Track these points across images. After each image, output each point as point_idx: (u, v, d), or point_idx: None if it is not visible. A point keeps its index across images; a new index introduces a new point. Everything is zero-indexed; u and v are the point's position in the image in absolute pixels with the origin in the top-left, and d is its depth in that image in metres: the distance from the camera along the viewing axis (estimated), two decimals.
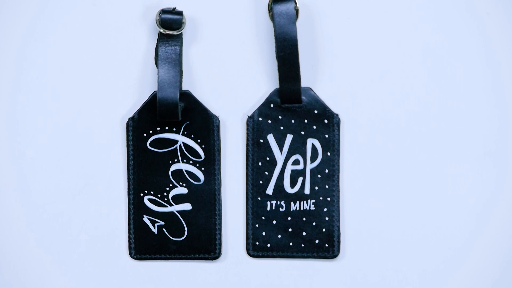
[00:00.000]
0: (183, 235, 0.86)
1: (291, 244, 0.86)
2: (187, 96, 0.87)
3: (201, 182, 0.87)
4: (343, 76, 0.88)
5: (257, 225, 0.86)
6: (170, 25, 0.85)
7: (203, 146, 0.87)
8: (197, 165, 0.87)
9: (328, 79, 0.88)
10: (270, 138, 0.87)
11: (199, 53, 0.89)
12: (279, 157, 0.87)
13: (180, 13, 0.86)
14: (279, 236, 0.86)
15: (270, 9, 0.86)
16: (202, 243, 0.86)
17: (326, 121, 0.87)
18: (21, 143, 0.88)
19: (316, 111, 0.87)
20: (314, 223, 0.86)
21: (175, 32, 0.85)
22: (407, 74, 0.88)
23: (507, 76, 0.88)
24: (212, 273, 0.88)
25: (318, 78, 0.88)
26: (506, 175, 0.88)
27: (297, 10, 0.85)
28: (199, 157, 0.87)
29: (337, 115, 0.87)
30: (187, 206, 0.87)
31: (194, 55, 0.89)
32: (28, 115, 0.88)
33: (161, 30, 0.85)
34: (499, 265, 0.88)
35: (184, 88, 0.88)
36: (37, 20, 0.88)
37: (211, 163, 0.87)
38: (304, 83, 0.88)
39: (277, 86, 0.87)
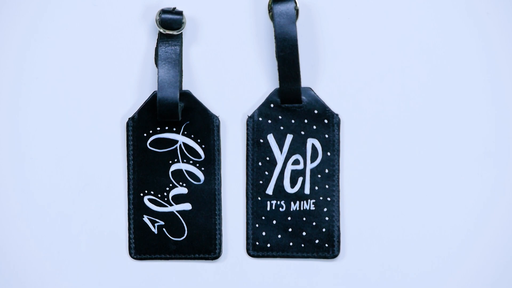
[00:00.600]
0: (183, 235, 0.86)
1: (291, 244, 0.86)
2: (187, 96, 0.87)
3: (201, 182, 0.87)
4: (343, 76, 0.88)
5: (257, 225, 0.86)
6: (170, 25, 0.85)
7: (203, 146, 0.87)
8: (197, 165, 0.87)
9: (328, 79, 0.88)
10: (270, 138, 0.87)
11: (199, 53, 0.89)
12: (279, 157, 0.87)
13: (180, 13, 0.86)
14: (279, 236, 0.86)
15: (270, 9, 0.86)
16: (202, 243, 0.86)
17: (326, 121, 0.87)
18: (21, 143, 0.88)
19: (316, 111, 0.87)
20: (314, 223, 0.86)
21: (175, 32, 0.85)
22: (407, 74, 0.88)
23: (507, 76, 0.88)
24: (212, 273, 0.88)
25: (318, 78, 0.89)
26: (506, 175, 0.88)
27: (297, 10, 0.85)
28: (199, 157, 0.87)
29: (337, 115, 0.87)
30: (187, 206, 0.87)
31: (194, 55, 0.89)
32: (28, 115, 0.88)
33: (161, 30, 0.85)
34: (499, 265, 0.88)
35: (184, 88, 0.88)
36: (37, 20, 0.88)
37: (211, 163, 0.87)
38: (304, 83, 0.88)
39: (277, 86, 0.87)
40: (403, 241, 0.87)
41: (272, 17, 0.86)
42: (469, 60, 0.88)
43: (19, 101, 0.88)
